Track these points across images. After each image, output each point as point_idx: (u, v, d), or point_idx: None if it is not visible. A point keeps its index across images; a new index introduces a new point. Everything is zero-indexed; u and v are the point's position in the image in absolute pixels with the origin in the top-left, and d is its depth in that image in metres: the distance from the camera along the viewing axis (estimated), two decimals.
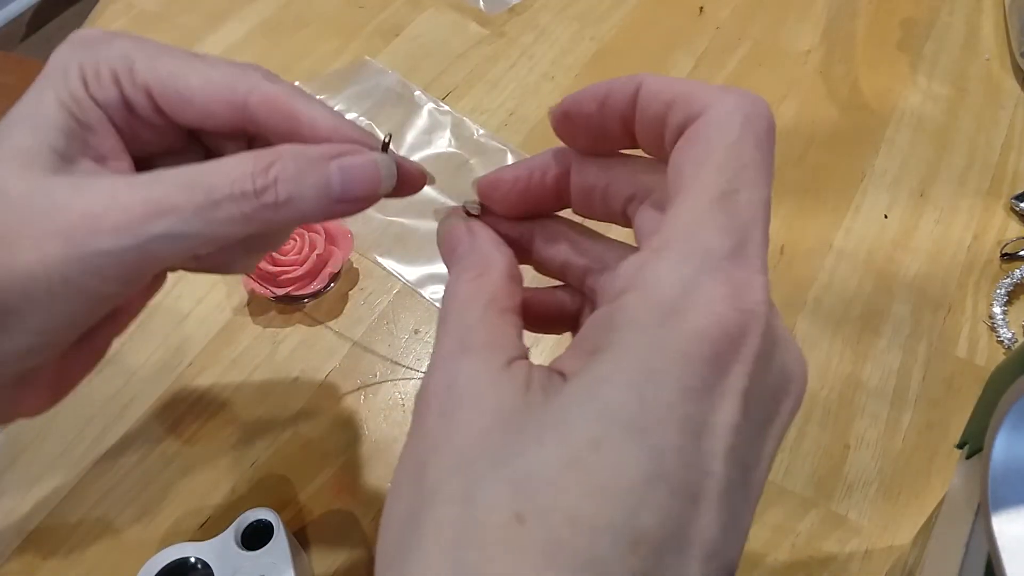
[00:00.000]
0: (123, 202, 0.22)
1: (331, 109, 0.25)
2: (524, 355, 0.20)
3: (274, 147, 0.23)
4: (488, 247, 0.23)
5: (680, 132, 0.20)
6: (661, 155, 0.21)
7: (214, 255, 0.27)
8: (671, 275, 0.17)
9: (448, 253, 0.24)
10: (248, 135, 0.26)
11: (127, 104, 0.24)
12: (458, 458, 0.18)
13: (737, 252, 0.18)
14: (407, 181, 0.25)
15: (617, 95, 0.22)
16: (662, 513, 0.16)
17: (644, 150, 0.22)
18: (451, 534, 0.17)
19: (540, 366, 0.20)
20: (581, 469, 0.16)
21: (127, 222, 0.22)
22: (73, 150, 0.23)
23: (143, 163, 0.26)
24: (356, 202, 0.24)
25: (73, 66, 0.24)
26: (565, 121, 0.23)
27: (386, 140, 0.25)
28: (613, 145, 0.23)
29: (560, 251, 0.25)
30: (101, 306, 0.24)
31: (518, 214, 0.25)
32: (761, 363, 0.17)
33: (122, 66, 0.24)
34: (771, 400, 0.18)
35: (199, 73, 0.24)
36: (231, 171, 0.22)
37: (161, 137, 0.26)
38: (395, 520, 0.18)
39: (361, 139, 0.25)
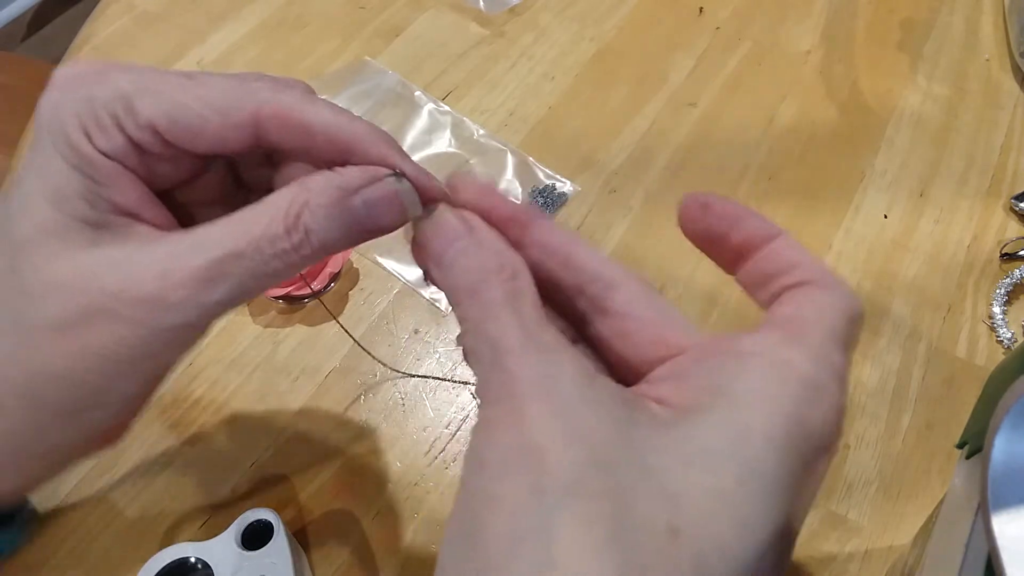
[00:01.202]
0: (176, 280, 0.22)
1: (341, 110, 0.24)
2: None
3: (300, 184, 0.23)
4: (504, 245, 0.23)
5: (786, 286, 0.22)
6: (746, 281, 0.24)
7: None
8: (809, 364, 0.20)
9: (441, 250, 0.23)
10: (265, 148, 0.26)
11: (136, 147, 0.23)
12: (591, 455, 0.18)
13: (845, 379, 0.20)
14: (423, 195, 0.25)
15: (753, 234, 0.24)
16: (770, 560, 0.18)
17: (727, 268, 0.24)
18: (604, 531, 0.17)
19: (620, 386, 0.21)
20: (731, 504, 0.18)
21: (186, 298, 0.22)
22: (101, 214, 0.23)
23: (168, 196, 0.26)
24: (383, 231, 0.24)
25: (70, 119, 0.23)
26: (698, 210, 0.24)
27: (397, 172, 0.24)
28: (707, 249, 0.25)
29: (556, 263, 0.24)
30: (172, 366, 0.25)
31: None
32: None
33: (121, 107, 0.23)
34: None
35: (202, 100, 0.23)
36: (266, 230, 0.22)
37: (177, 169, 0.25)
38: (510, 497, 0.18)
39: (382, 150, 0.24)
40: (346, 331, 0.44)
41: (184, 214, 0.26)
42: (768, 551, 0.18)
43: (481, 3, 0.62)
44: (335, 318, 0.45)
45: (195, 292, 0.22)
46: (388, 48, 0.60)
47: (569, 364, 0.20)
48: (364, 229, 0.23)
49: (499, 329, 0.20)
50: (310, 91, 0.25)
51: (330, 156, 0.24)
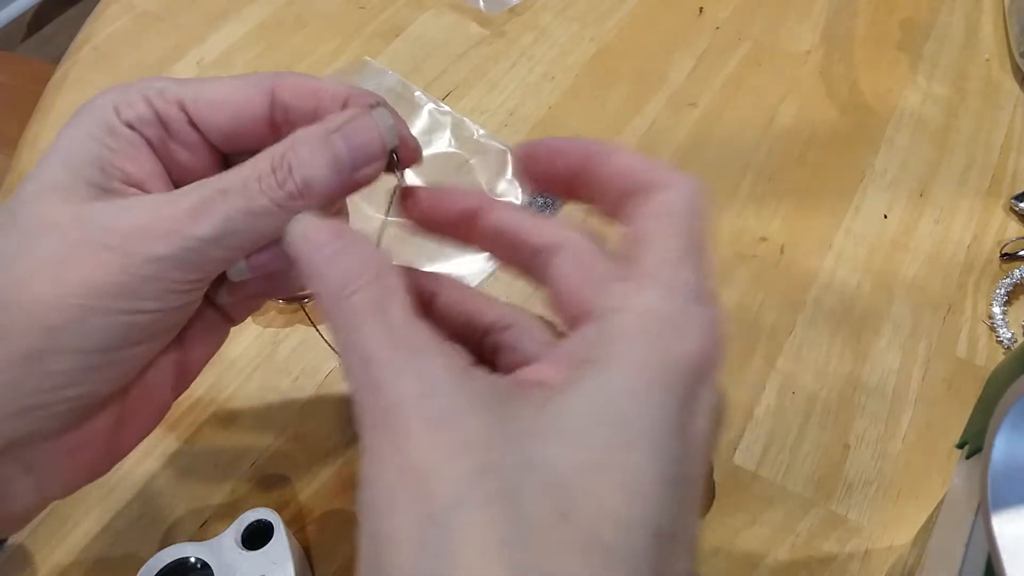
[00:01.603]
0: (167, 212, 0.23)
1: (349, 86, 0.26)
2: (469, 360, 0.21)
3: (291, 135, 0.24)
4: (369, 248, 0.22)
5: (631, 194, 0.23)
6: (601, 207, 0.25)
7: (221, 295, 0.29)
8: (664, 302, 0.20)
9: (308, 259, 0.23)
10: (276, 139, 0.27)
11: (161, 120, 0.25)
12: (475, 462, 0.18)
13: (705, 291, 0.21)
14: (406, 146, 0.26)
15: (572, 155, 0.25)
16: (672, 511, 0.18)
17: (586, 201, 0.25)
18: (497, 535, 0.17)
19: (496, 377, 0.21)
20: (610, 471, 0.17)
21: (175, 228, 0.23)
22: (109, 180, 0.24)
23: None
24: (368, 165, 0.25)
25: (106, 103, 0.25)
26: (530, 161, 0.25)
27: (376, 103, 0.26)
28: (556, 190, 0.26)
29: (465, 305, 0.26)
30: (150, 332, 0.25)
31: (429, 226, 0.27)
32: (714, 384, 0.20)
33: (151, 90, 0.25)
34: (715, 414, 0.21)
35: (225, 83, 0.26)
36: (256, 167, 0.24)
37: (197, 159, 0.27)
38: (402, 532, 0.18)
39: (369, 96, 0.26)
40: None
41: None
42: (669, 501, 0.18)
43: (481, 3, 0.62)
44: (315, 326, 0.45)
45: (182, 224, 0.23)
46: (388, 48, 0.60)
47: (441, 366, 0.19)
48: (348, 164, 0.24)
49: (365, 338, 0.20)
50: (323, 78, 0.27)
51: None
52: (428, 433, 0.18)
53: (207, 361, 0.30)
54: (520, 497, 0.17)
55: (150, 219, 0.23)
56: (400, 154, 0.26)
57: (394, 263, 0.22)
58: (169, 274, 0.23)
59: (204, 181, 0.24)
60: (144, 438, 0.29)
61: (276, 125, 0.26)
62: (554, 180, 0.25)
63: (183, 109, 0.25)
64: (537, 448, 0.18)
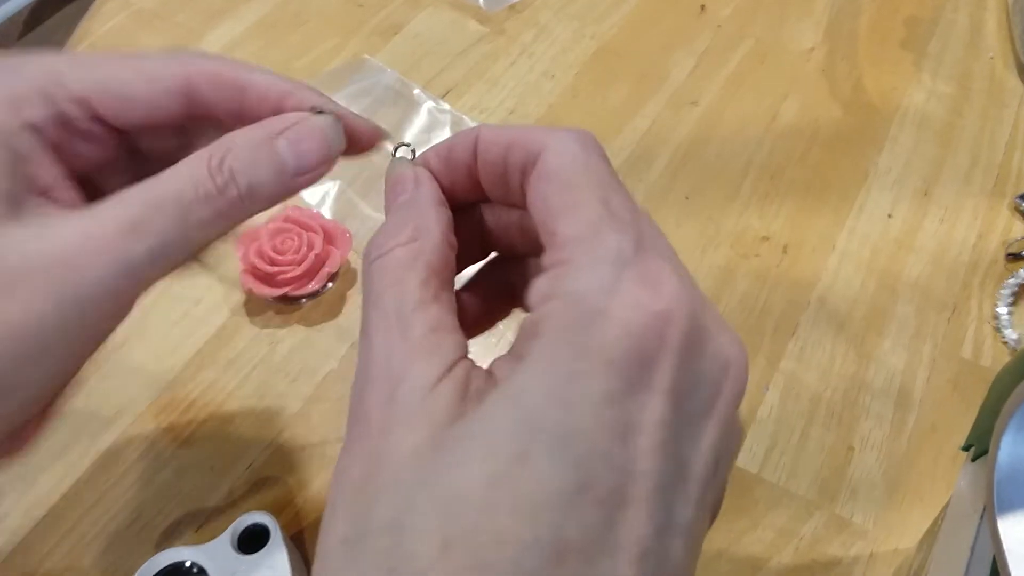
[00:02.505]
0: (97, 234, 0.21)
1: (277, 74, 0.24)
2: (464, 350, 0.20)
3: (223, 138, 0.23)
4: (428, 203, 0.22)
5: (523, 170, 0.21)
6: (504, 197, 0.23)
7: None
8: (589, 279, 0.18)
9: (390, 200, 0.23)
10: (192, 127, 0.25)
11: (62, 120, 0.23)
12: (392, 479, 0.17)
13: (639, 248, 0.18)
14: (358, 138, 0.25)
15: (459, 148, 0.23)
16: (588, 521, 0.16)
17: (489, 196, 0.23)
18: (386, 567, 0.16)
19: (479, 368, 0.19)
20: (506, 485, 0.16)
21: (107, 250, 0.21)
22: (19, 189, 0.22)
23: (82, 183, 0.24)
24: (314, 171, 0.23)
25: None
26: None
27: (319, 110, 0.24)
28: (465, 195, 0.23)
29: (513, 222, 0.24)
30: (94, 345, 0.23)
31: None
32: (688, 354, 0.17)
33: (51, 81, 0.22)
34: (708, 388, 0.18)
35: (135, 69, 0.23)
36: (191, 175, 0.22)
37: (98, 149, 0.24)
38: (332, 545, 0.18)
39: (307, 94, 0.24)
40: None
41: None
42: (579, 512, 0.16)
43: (481, 0, 0.62)
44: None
45: (116, 245, 0.21)
46: (387, 46, 0.59)
47: (411, 372, 0.18)
48: (292, 169, 0.23)
49: (374, 313, 0.20)
50: (245, 63, 0.25)
51: (262, 116, 0.24)
52: (376, 439, 0.18)
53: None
54: (409, 523, 0.16)
55: (79, 244, 0.20)
56: (361, 142, 0.25)
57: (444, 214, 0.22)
58: (103, 305, 0.21)
59: (130, 193, 0.21)
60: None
61: (191, 114, 0.24)
62: (453, 187, 0.23)
63: (88, 105, 0.23)
64: (451, 462, 0.17)
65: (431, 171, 0.23)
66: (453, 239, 0.22)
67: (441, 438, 0.17)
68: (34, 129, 0.22)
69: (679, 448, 0.17)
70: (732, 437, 0.19)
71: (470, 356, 0.20)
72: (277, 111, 0.24)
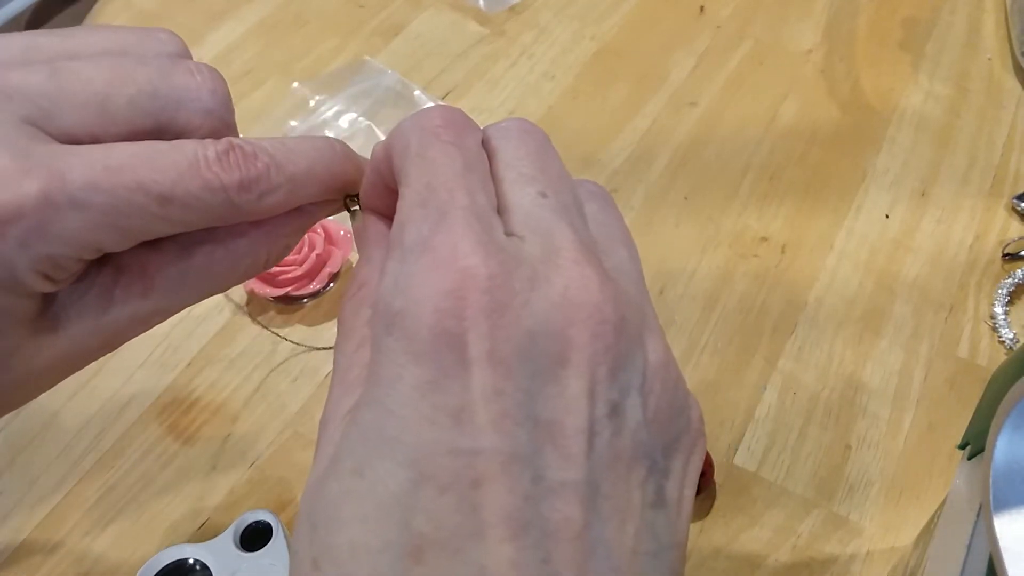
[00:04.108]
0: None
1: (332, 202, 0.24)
2: None
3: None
4: (372, 250, 0.22)
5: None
6: None
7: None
8: (387, 280, 0.18)
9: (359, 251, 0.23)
10: None
11: (50, 263, 0.18)
12: (303, 507, 0.18)
13: (437, 226, 0.17)
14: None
15: (370, 172, 0.22)
16: (439, 513, 0.16)
17: None
18: None
19: None
20: (351, 499, 0.16)
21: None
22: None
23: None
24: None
25: None
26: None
27: (346, 198, 0.24)
28: None
29: None
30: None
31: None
32: (502, 315, 0.16)
33: (47, 207, 0.17)
34: (551, 339, 0.17)
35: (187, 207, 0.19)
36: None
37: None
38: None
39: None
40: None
41: None
42: (416, 506, 0.16)
43: (481, 2, 0.62)
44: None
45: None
46: (387, 47, 0.60)
47: (338, 403, 0.19)
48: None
49: (336, 355, 0.21)
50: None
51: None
52: (313, 475, 0.18)
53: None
54: (296, 546, 0.17)
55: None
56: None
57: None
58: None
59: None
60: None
61: None
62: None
63: (90, 248, 0.19)
64: (320, 487, 0.17)
65: (372, 206, 0.23)
66: None
67: (326, 464, 0.18)
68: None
69: (532, 409, 0.16)
70: (629, 372, 0.18)
71: None
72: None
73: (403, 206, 0.19)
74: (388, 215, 0.22)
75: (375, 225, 0.23)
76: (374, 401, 0.17)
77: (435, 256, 0.17)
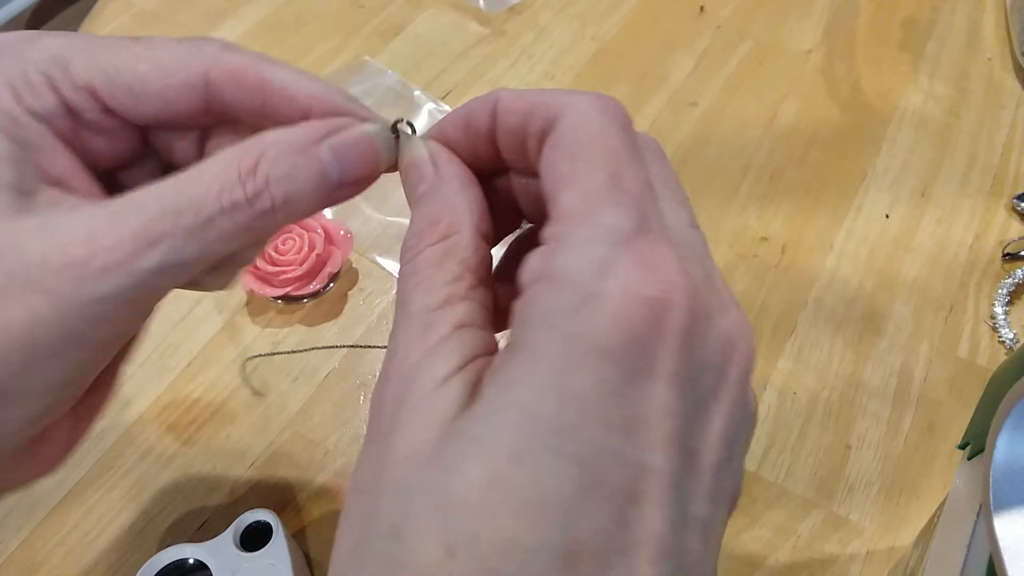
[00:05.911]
0: (106, 242, 0.19)
1: (304, 72, 0.22)
2: (491, 346, 0.19)
3: (253, 139, 0.20)
4: (454, 191, 0.21)
5: (541, 138, 0.19)
6: (526, 167, 0.21)
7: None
8: (580, 259, 0.16)
9: (410, 189, 0.21)
10: (210, 123, 0.23)
11: (70, 110, 0.21)
12: (393, 481, 0.16)
13: (641, 228, 0.17)
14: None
15: (477, 115, 0.21)
16: (598, 521, 0.15)
17: (511, 166, 0.22)
18: (389, 574, 0.16)
19: (463, 395, 0.18)
20: (506, 487, 0.15)
21: (116, 262, 0.19)
22: (28, 180, 0.20)
23: (103, 178, 0.23)
24: (357, 184, 0.21)
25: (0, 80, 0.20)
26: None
27: (397, 122, 0.22)
28: (487, 165, 0.22)
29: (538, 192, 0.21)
30: (106, 352, 0.21)
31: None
32: (692, 338, 0.16)
33: (56, 68, 0.20)
34: (713, 373, 0.17)
35: (146, 59, 0.21)
36: (217, 179, 0.19)
37: (115, 143, 0.23)
38: (344, 549, 0.18)
39: (344, 106, 0.22)
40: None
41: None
42: (586, 512, 0.15)
43: (481, 2, 0.62)
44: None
45: (124, 258, 0.19)
46: (387, 47, 0.60)
47: (423, 371, 0.17)
48: (335, 181, 0.21)
49: (400, 314, 0.19)
50: (269, 57, 0.22)
51: (288, 119, 0.21)
52: (383, 441, 0.17)
53: (142, 328, 0.25)
54: (408, 529, 0.16)
55: (86, 249, 0.19)
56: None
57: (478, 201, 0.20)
58: (111, 311, 0.19)
59: (147, 193, 0.19)
60: (97, 419, 0.25)
61: (210, 108, 0.22)
62: (473, 157, 0.22)
63: (96, 96, 0.21)
64: (451, 465, 0.16)
65: (449, 144, 0.22)
66: (487, 225, 0.21)
67: (442, 438, 0.16)
68: (40, 118, 0.21)
69: (689, 439, 0.16)
70: (744, 421, 0.18)
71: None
72: (304, 116, 0.21)
73: (587, 183, 0.17)
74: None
75: (451, 156, 0.21)
76: (543, 387, 0.16)
77: (644, 257, 0.16)
